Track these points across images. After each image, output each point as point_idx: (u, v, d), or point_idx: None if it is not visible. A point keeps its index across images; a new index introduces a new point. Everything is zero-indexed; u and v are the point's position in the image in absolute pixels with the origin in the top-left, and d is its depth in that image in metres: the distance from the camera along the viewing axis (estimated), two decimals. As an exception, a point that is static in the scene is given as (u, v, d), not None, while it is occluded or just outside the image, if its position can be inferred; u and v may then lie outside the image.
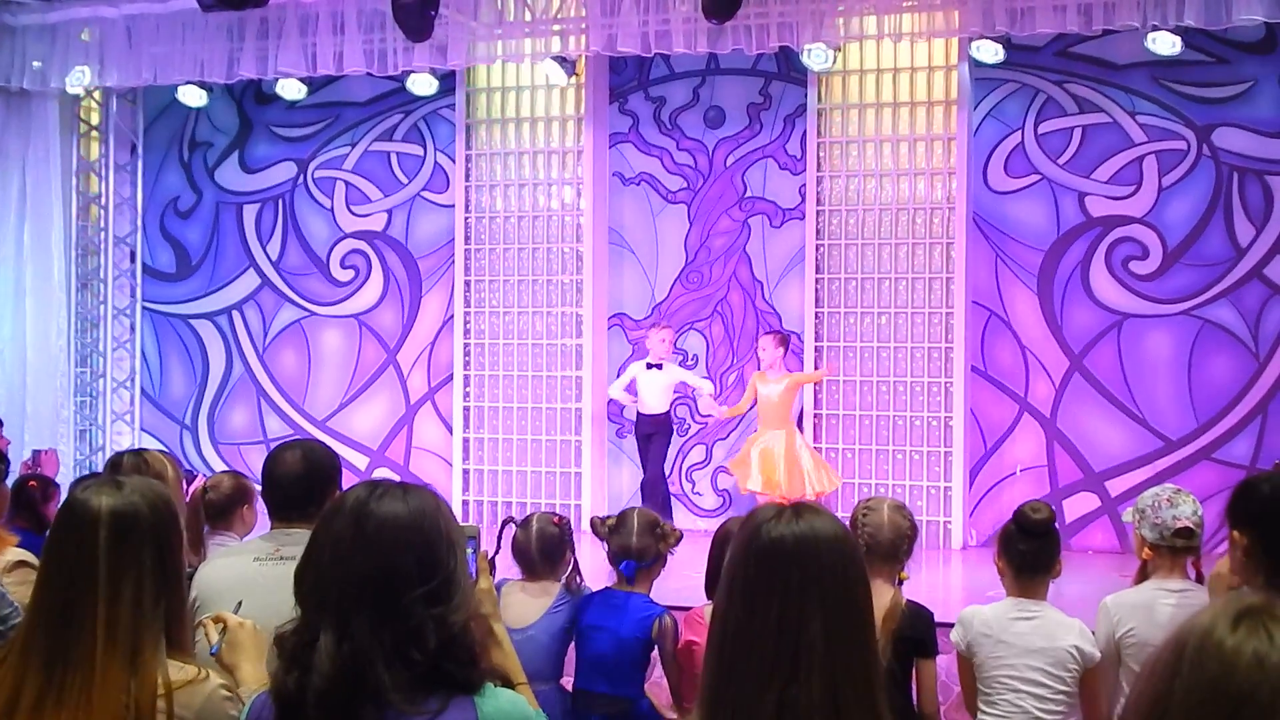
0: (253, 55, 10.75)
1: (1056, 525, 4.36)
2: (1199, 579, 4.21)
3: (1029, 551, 4.23)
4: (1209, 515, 4.33)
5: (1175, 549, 4.16)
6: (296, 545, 3.26)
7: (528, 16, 10.48)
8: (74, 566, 2.41)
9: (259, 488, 3.71)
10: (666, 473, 10.70)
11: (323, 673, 2.06)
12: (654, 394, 10.52)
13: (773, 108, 11.18)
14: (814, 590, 1.91)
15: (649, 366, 10.56)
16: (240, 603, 3.02)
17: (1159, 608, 4.10)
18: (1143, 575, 4.30)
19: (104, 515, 2.42)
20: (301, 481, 3.47)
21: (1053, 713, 4.15)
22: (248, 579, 3.23)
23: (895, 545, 4.22)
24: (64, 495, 5.56)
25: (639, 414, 10.68)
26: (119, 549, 2.41)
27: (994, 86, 10.64)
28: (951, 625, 4.34)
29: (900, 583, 4.27)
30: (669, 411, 10.62)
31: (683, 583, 5.95)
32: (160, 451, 4.38)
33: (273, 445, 3.75)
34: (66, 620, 2.39)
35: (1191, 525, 4.16)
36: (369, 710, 2.07)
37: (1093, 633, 4.23)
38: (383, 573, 2.12)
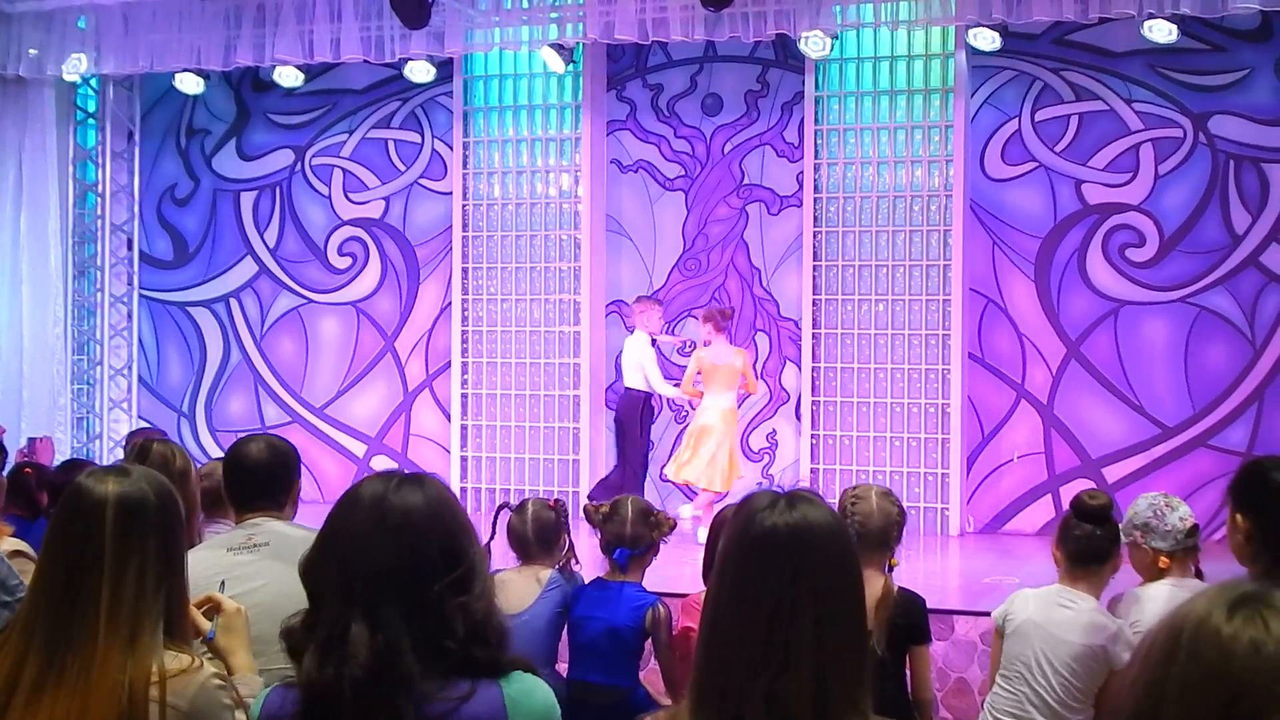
0: (250, 42, 10.74)
1: (1116, 518, 4.28)
2: (1198, 575, 4.21)
3: (1083, 537, 4.21)
4: (1206, 502, 4.38)
5: (1187, 549, 4.18)
6: (266, 534, 3.47)
7: (525, 4, 10.48)
8: (79, 549, 2.44)
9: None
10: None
11: (360, 663, 2.06)
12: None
13: (770, 95, 11.17)
14: (806, 581, 1.90)
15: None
16: (224, 582, 3.10)
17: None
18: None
19: (111, 500, 2.46)
20: (270, 472, 3.61)
21: (1065, 704, 4.11)
22: (225, 570, 3.35)
23: (885, 532, 4.22)
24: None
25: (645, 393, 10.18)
26: (125, 533, 2.44)
27: (991, 74, 10.63)
28: (945, 612, 4.35)
29: (891, 569, 4.27)
30: None
31: (676, 570, 5.97)
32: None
33: (265, 433, 3.81)
34: (70, 602, 2.41)
35: (1194, 521, 4.21)
36: (402, 698, 2.08)
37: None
38: (409, 563, 2.12)
